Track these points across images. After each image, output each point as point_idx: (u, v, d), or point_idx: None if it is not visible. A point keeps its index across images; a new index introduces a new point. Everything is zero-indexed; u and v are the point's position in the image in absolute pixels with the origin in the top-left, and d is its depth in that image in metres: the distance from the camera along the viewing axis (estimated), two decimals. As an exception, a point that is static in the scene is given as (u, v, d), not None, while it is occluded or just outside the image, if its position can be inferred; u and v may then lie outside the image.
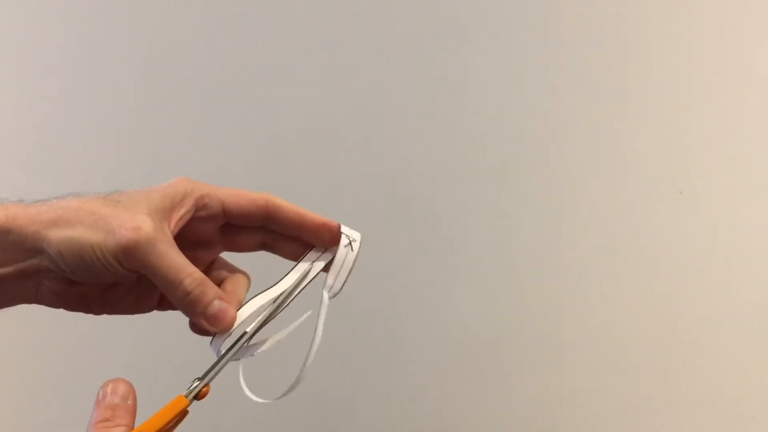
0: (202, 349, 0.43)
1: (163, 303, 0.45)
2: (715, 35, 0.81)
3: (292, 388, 0.42)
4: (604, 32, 0.82)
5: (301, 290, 0.44)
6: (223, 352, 0.41)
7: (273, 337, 0.43)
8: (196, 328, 0.42)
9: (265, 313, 0.43)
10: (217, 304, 0.41)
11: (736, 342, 0.78)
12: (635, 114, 0.81)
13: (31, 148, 0.88)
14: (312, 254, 0.45)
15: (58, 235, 0.38)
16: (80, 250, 0.38)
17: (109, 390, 0.37)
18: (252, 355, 0.43)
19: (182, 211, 0.42)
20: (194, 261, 0.41)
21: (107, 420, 0.36)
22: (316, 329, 0.43)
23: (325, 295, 0.44)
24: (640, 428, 0.80)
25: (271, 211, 0.44)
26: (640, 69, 0.81)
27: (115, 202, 0.40)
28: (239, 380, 0.44)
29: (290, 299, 0.44)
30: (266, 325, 0.43)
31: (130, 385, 0.37)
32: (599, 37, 0.82)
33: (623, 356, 0.80)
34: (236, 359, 0.42)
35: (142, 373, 0.79)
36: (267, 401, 0.43)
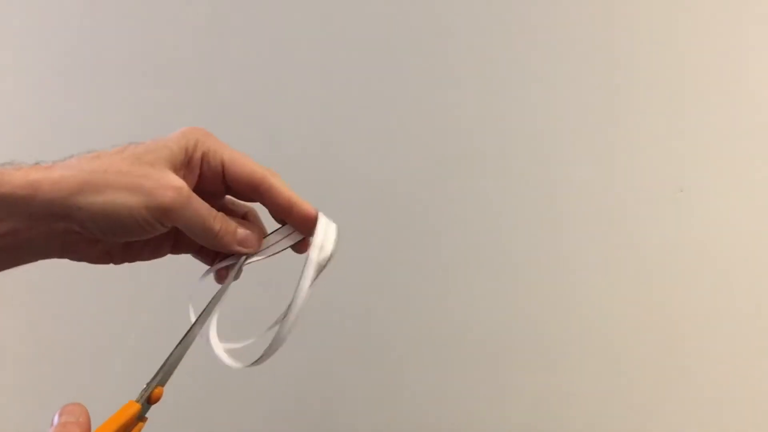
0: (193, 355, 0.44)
1: (178, 246, 0.47)
2: (716, 32, 0.80)
3: (271, 350, 0.43)
4: (605, 28, 0.81)
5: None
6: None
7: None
8: (221, 278, 0.46)
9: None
10: (241, 231, 0.44)
11: (736, 341, 0.78)
12: (635, 111, 0.81)
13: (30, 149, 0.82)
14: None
15: (89, 200, 0.38)
16: (116, 214, 0.39)
17: (61, 412, 0.37)
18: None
19: (193, 164, 0.43)
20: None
21: None
22: (298, 285, 0.43)
23: (313, 254, 0.44)
24: (639, 428, 0.80)
25: (263, 190, 0.44)
26: (640, 66, 0.81)
27: (138, 158, 0.40)
28: (212, 348, 0.45)
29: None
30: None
31: (82, 406, 0.37)
32: (600, 33, 0.81)
33: (621, 355, 0.80)
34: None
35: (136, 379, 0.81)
36: (242, 366, 0.44)
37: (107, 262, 0.44)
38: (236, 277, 0.46)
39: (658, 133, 0.80)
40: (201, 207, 0.42)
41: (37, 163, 0.40)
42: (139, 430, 0.38)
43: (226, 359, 0.44)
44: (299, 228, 0.46)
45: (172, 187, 0.40)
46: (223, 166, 0.44)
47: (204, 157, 0.44)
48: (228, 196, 0.48)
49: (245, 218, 0.48)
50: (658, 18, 0.81)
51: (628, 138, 0.80)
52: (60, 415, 0.37)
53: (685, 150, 0.80)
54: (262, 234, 0.46)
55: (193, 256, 0.48)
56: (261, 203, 0.46)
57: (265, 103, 0.85)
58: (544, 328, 0.81)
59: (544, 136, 0.82)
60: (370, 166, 0.83)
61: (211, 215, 0.42)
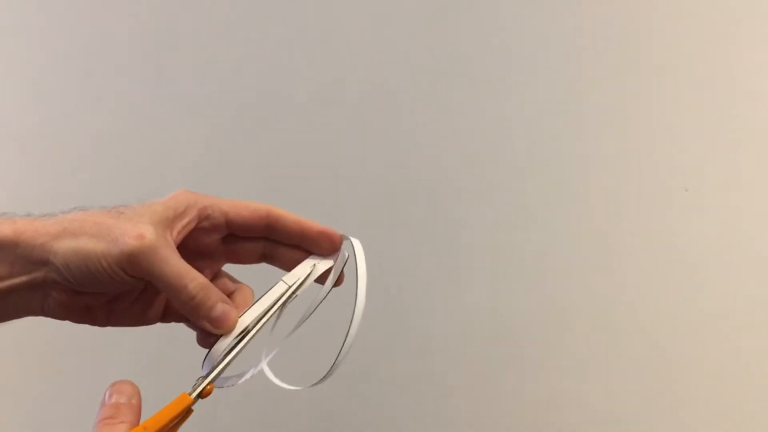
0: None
1: (167, 315, 0.46)
2: (722, 31, 0.80)
3: (330, 374, 0.44)
4: (611, 28, 0.82)
5: (302, 289, 0.45)
6: (219, 360, 0.42)
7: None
8: (204, 341, 0.43)
9: (270, 313, 0.44)
10: (219, 307, 0.42)
11: (743, 340, 0.78)
12: (641, 110, 0.81)
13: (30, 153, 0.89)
14: (308, 261, 0.46)
15: (64, 246, 0.39)
16: (86, 259, 0.39)
17: (114, 390, 0.38)
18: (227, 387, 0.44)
19: (185, 221, 0.43)
20: (199, 272, 0.42)
21: (111, 417, 0.37)
22: (354, 312, 0.44)
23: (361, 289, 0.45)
24: (643, 429, 0.79)
25: (272, 222, 0.45)
26: (646, 65, 0.81)
27: (119, 213, 0.41)
28: (265, 373, 0.45)
29: (292, 298, 0.45)
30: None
31: (134, 386, 0.39)
32: (606, 32, 0.82)
33: (627, 355, 0.79)
34: (229, 385, 0.43)
35: (148, 374, 0.81)
36: (299, 388, 0.45)
37: (91, 323, 0.44)
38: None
39: (663, 132, 0.80)
40: (172, 260, 0.40)
41: (27, 215, 0.42)
42: (184, 421, 0.39)
43: (285, 385, 0.45)
44: (313, 247, 0.46)
45: (137, 235, 0.39)
46: (226, 215, 0.45)
47: (203, 212, 0.44)
48: (224, 272, 0.48)
49: (234, 292, 0.46)
50: (666, 17, 0.81)
51: (633, 137, 0.80)
52: (111, 395, 0.38)
53: (691, 149, 0.79)
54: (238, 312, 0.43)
55: (187, 326, 0.47)
56: (271, 237, 0.46)
57: (266, 103, 0.86)
58: (548, 326, 0.81)
59: (549, 135, 0.81)
60: (371, 167, 0.83)
61: (187, 274, 0.41)
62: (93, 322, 0.44)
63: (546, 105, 0.82)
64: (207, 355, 0.43)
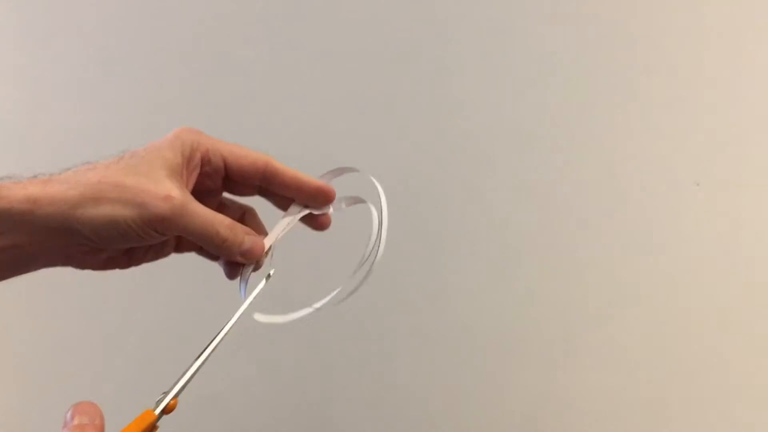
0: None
1: (180, 247, 0.48)
2: (734, 25, 0.79)
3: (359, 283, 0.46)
4: (621, 20, 0.80)
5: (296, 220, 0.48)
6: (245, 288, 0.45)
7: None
8: (234, 272, 0.46)
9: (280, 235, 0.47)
10: (248, 240, 0.45)
11: (753, 337, 0.77)
12: (652, 104, 0.80)
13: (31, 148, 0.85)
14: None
15: (88, 213, 0.39)
16: (115, 225, 0.39)
17: (77, 411, 0.36)
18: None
19: (191, 165, 0.44)
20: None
21: None
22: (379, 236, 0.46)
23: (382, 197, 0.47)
24: (645, 426, 0.79)
25: (269, 175, 0.46)
26: (656, 58, 0.80)
27: (133, 168, 0.41)
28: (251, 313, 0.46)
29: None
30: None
31: (96, 406, 0.37)
32: (617, 25, 0.80)
33: (634, 356, 0.79)
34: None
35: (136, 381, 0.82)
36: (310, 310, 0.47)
37: (113, 268, 0.45)
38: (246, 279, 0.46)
39: (673, 126, 0.79)
40: (200, 212, 0.42)
41: (35, 176, 0.40)
42: None
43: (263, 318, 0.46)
44: (311, 203, 0.48)
45: (165, 197, 0.40)
46: (225, 161, 0.45)
47: (205, 156, 0.44)
48: (225, 194, 0.49)
49: (244, 217, 0.48)
50: (676, 10, 0.80)
51: (643, 131, 0.80)
52: (73, 416, 0.36)
53: (702, 143, 0.79)
54: (263, 239, 0.46)
55: (197, 253, 0.49)
56: (266, 188, 0.47)
57: (267, 104, 0.84)
58: (551, 324, 0.81)
59: (558, 129, 0.81)
60: (372, 167, 0.83)
61: (214, 221, 0.43)
62: (115, 266, 0.45)
63: (554, 99, 0.80)
64: (241, 282, 0.46)
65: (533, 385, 0.80)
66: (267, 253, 0.47)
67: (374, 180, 0.48)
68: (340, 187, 0.49)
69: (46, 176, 0.40)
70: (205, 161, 0.44)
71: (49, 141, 0.86)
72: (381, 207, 0.47)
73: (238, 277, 0.46)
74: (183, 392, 0.40)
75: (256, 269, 0.47)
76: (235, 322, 0.43)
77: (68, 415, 0.36)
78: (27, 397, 0.86)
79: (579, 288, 0.80)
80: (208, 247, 0.43)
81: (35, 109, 0.86)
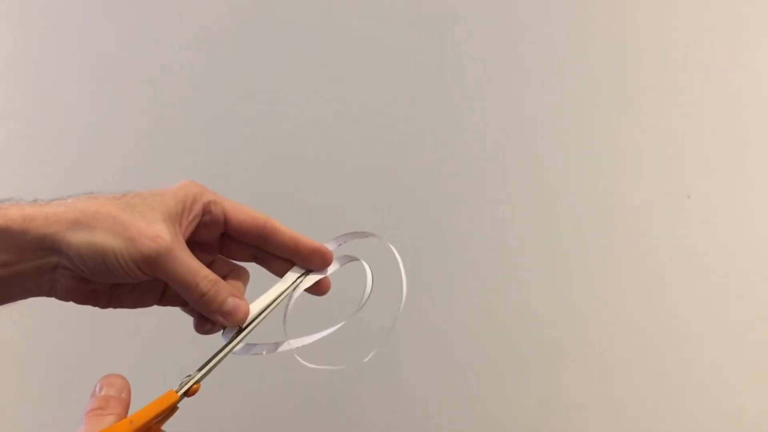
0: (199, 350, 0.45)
1: (165, 299, 0.47)
2: (724, 38, 0.81)
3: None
4: (612, 32, 0.82)
5: (295, 294, 0.47)
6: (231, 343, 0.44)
7: (287, 342, 0.47)
8: (201, 328, 0.45)
9: (265, 312, 0.46)
10: (230, 301, 0.44)
11: (744, 346, 0.78)
12: (643, 117, 0.81)
13: (34, 150, 0.87)
14: (297, 268, 0.48)
15: (78, 238, 0.39)
16: (102, 254, 0.39)
17: (105, 383, 0.39)
18: (252, 354, 0.46)
19: (191, 215, 0.44)
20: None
21: (100, 408, 0.38)
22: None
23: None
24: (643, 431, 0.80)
25: (268, 233, 0.46)
26: (648, 71, 0.81)
27: (131, 206, 0.41)
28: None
29: (288, 301, 0.47)
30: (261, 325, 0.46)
31: (125, 379, 0.40)
32: (607, 37, 0.82)
33: (628, 361, 0.80)
34: (234, 353, 0.45)
35: (142, 370, 0.82)
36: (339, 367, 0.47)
37: (94, 304, 0.45)
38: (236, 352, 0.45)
39: (665, 139, 0.81)
40: (185, 260, 0.42)
41: (35, 200, 0.41)
42: (169, 417, 0.40)
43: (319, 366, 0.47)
44: (308, 264, 0.47)
45: (154, 236, 0.40)
46: (225, 215, 0.46)
47: (206, 207, 0.45)
48: (220, 255, 0.49)
49: (231, 274, 0.48)
50: (668, 25, 0.81)
51: (636, 144, 0.81)
52: (101, 387, 0.40)
53: (693, 156, 0.80)
54: (247, 303, 0.45)
55: (182, 310, 0.48)
56: (263, 248, 0.47)
57: (266, 106, 0.86)
58: (550, 333, 0.81)
59: (551, 142, 0.82)
60: (373, 170, 0.84)
61: (198, 273, 0.42)
62: (96, 304, 0.45)
63: (547, 112, 0.82)
64: (223, 332, 0.45)
65: (536, 390, 0.81)
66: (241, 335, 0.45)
67: (392, 247, 0.49)
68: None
69: (44, 201, 0.41)
70: (206, 211, 0.45)
71: (50, 141, 0.87)
72: (401, 274, 0.48)
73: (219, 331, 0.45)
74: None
75: (237, 334, 0.45)
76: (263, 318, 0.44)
77: (97, 386, 0.40)
78: (28, 398, 0.86)
79: (575, 296, 0.81)
80: (187, 297, 0.43)
81: (35, 110, 0.88)
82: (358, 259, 0.49)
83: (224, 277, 0.47)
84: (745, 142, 0.80)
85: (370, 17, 0.85)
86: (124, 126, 0.87)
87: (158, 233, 0.40)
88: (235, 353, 0.45)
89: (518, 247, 0.82)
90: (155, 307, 0.78)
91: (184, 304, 0.47)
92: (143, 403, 0.39)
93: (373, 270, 0.49)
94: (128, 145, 0.86)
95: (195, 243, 0.46)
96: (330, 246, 0.48)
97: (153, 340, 0.84)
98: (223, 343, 0.45)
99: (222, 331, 0.45)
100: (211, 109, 0.86)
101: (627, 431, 0.80)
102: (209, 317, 0.44)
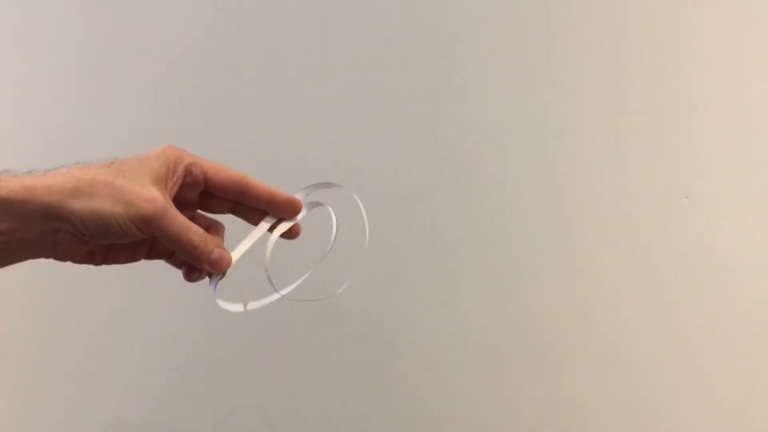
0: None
1: (152, 253, 0.52)
2: (723, 39, 0.81)
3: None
4: (610, 34, 0.82)
5: (272, 239, 0.53)
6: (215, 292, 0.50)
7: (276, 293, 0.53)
8: (190, 277, 0.51)
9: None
10: (216, 252, 0.50)
11: (743, 347, 0.79)
12: (642, 118, 0.81)
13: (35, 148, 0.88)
14: (269, 218, 0.54)
15: (80, 205, 0.43)
16: (103, 218, 0.44)
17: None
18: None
19: (175, 177, 0.49)
20: None
21: None
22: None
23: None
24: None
25: (245, 187, 0.51)
26: (646, 72, 0.82)
27: (122, 172, 0.46)
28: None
29: (266, 247, 0.53)
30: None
31: None
32: (606, 39, 0.82)
33: (627, 362, 0.81)
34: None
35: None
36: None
37: (90, 263, 0.49)
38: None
39: (664, 139, 0.81)
40: (177, 218, 0.47)
41: (30, 171, 0.44)
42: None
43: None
44: (281, 213, 0.53)
45: (150, 198, 0.45)
46: (205, 174, 0.50)
47: (188, 169, 0.50)
48: (199, 211, 0.54)
49: (210, 228, 0.53)
50: (667, 27, 0.82)
51: (634, 144, 0.82)
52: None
53: (692, 157, 0.80)
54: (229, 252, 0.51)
55: (165, 261, 0.53)
56: (240, 201, 0.52)
57: (266, 107, 0.88)
58: (550, 335, 0.83)
59: (551, 142, 0.83)
60: (374, 171, 0.86)
61: (189, 228, 0.47)
62: (91, 262, 0.49)
63: (546, 113, 0.83)
64: (210, 280, 0.51)
65: (537, 393, 0.82)
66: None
67: (355, 197, 0.54)
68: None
69: (41, 172, 0.45)
70: (188, 173, 0.50)
71: (50, 141, 0.88)
72: (365, 222, 0.53)
73: (208, 281, 0.51)
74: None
75: (221, 278, 0.51)
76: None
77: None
78: (30, 401, 0.87)
79: (572, 296, 0.82)
80: (180, 251, 0.48)
81: (35, 110, 0.88)
82: (323, 205, 0.55)
83: (205, 231, 0.52)
84: (744, 142, 0.80)
85: (370, 17, 0.86)
86: (125, 126, 0.88)
87: (152, 195, 0.45)
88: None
89: (518, 250, 0.83)
90: (152, 319, 0.82)
91: (168, 257, 0.52)
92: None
93: (339, 217, 0.54)
94: (132, 145, 0.87)
95: (177, 202, 0.51)
96: (299, 196, 0.54)
97: (153, 340, 0.86)
98: (210, 287, 0.50)
99: (208, 278, 0.51)
100: (208, 109, 0.87)
101: (628, 431, 0.82)
102: (198, 267, 0.50)
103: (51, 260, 0.47)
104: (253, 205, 0.53)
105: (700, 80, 0.82)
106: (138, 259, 0.52)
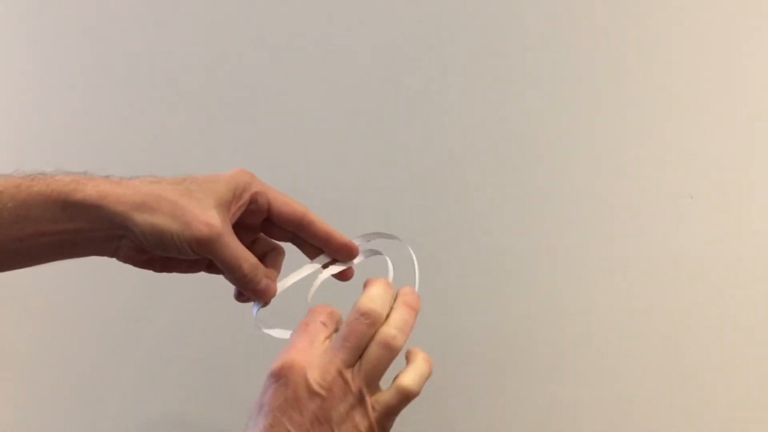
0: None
1: (211, 268, 0.54)
2: (727, 38, 0.79)
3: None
4: (613, 32, 0.80)
5: (320, 278, 0.54)
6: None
7: None
8: (240, 298, 0.53)
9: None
10: (264, 282, 0.51)
11: (744, 348, 0.77)
12: (645, 116, 0.80)
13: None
14: (324, 256, 0.54)
15: (142, 218, 0.46)
16: (161, 234, 0.46)
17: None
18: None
19: (240, 203, 0.51)
20: (240, 240, 0.50)
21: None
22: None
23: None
24: None
25: (305, 224, 0.52)
26: (650, 70, 0.80)
27: (189, 192, 0.48)
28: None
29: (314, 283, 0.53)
30: None
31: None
32: (608, 36, 0.80)
33: (629, 363, 0.80)
34: None
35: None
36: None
37: (148, 269, 0.52)
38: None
39: (667, 139, 0.80)
40: (232, 245, 0.48)
41: (107, 176, 0.48)
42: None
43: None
44: (336, 255, 0.54)
45: (207, 223, 0.47)
46: (269, 205, 0.52)
47: (253, 197, 0.51)
48: (262, 234, 0.55)
49: (270, 253, 0.55)
50: (669, 23, 0.80)
51: (637, 144, 0.80)
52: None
53: (695, 156, 0.79)
54: (276, 285, 0.53)
55: (225, 277, 0.55)
56: (299, 235, 0.54)
57: (265, 106, 0.88)
58: (547, 335, 0.82)
59: (550, 141, 0.82)
60: (371, 170, 0.85)
61: (242, 256, 0.49)
62: (151, 268, 0.52)
63: (545, 111, 0.81)
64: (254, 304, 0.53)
65: (533, 395, 0.82)
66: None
67: (411, 249, 0.54)
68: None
69: (116, 178, 0.48)
70: (253, 200, 0.51)
71: (50, 141, 0.92)
72: (415, 275, 0.53)
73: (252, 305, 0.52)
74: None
75: (264, 305, 0.53)
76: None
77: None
78: (34, 402, 0.91)
79: (576, 298, 0.81)
80: (229, 276, 0.50)
81: (35, 110, 0.92)
82: (381, 254, 0.54)
83: (264, 254, 0.54)
84: (747, 142, 0.78)
85: (371, 17, 0.86)
86: (128, 126, 0.90)
87: (210, 220, 0.47)
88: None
89: (516, 249, 0.82)
90: (157, 320, 0.84)
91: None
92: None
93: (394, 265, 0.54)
94: (136, 146, 0.89)
95: (241, 225, 0.52)
96: (357, 241, 0.54)
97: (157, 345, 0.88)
98: (253, 310, 0.53)
99: (254, 304, 0.53)
100: (210, 109, 0.88)
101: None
102: (244, 291, 0.52)
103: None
104: (310, 241, 0.54)
105: (705, 75, 0.79)
106: (197, 271, 0.54)
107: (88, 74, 0.91)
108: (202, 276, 0.55)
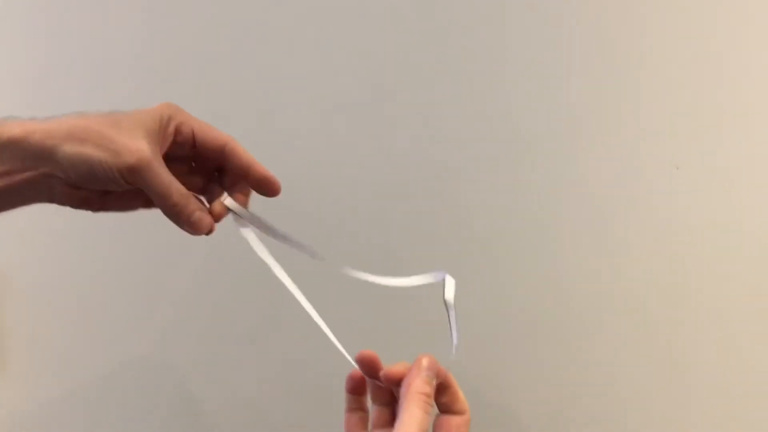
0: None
1: (148, 203, 0.55)
2: (714, 16, 0.80)
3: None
4: (602, 12, 0.81)
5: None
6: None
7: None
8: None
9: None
10: (197, 214, 0.51)
11: (736, 325, 0.77)
12: (630, 88, 0.80)
13: None
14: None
15: (70, 149, 0.46)
16: (90, 164, 0.47)
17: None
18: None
19: (166, 133, 0.51)
20: (172, 173, 0.51)
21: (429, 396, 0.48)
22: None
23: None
24: (643, 421, 0.80)
25: (227, 152, 0.53)
26: (635, 43, 0.81)
27: (117, 122, 0.48)
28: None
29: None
30: None
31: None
32: (598, 16, 0.81)
33: (613, 337, 0.80)
34: None
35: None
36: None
37: (86, 209, 0.52)
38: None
39: (653, 109, 0.79)
40: (162, 174, 0.48)
41: (32, 118, 0.48)
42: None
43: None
44: (255, 188, 0.54)
45: (137, 149, 0.47)
46: (193, 133, 0.52)
47: (178, 128, 0.52)
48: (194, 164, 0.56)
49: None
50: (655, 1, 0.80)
51: (622, 114, 0.80)
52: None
53: (682, 127, 0.79)
54: (212, 220, 0.53)
55: (161, 210, 0.55)
56: (223, 166, 0.53)
57: (265, 106, 0.88)
58: (536, 309, 0.81)
59: (537, 115, 0.82)
60: (368, 168, 0.86)
61: (172, 185, 0.49)
62: (89, 208, 0.52)
63: (532, 87, 0.81)
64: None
65: (527, 382, 0.82)
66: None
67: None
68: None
69: (42, 118, 0.48)
70: (178, 132, 0.52)
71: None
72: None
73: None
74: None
75: (208, 233, 0.53)
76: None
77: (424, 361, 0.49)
78: (38, 393, 0.90)
79: (562, 272, 0.81)
80: (160, 206, 0.50)
81: (36, 110, 0.92)
82: (446, 273, 0.56)
83: (231, 187, 0.55)
84: (734, 112, 0.79)
85: (371, 18, 0.86)
86: None
87: (140, 147, 0.47)
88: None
89: (506, 225, 0.82)
90: (160, 314, 0.84)
91: None
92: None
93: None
94: None
95: (172, 157, 0.53)
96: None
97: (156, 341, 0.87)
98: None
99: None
100: (210, 108, 0.87)
101: (627, 423, 0.80)
102: (178, 226, 0.52)
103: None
104: (234, 171, 0.53)
105: (690, 46, 0.80)
106: (135, 209, 0.55)
107: (88, 74, 0.91)
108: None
